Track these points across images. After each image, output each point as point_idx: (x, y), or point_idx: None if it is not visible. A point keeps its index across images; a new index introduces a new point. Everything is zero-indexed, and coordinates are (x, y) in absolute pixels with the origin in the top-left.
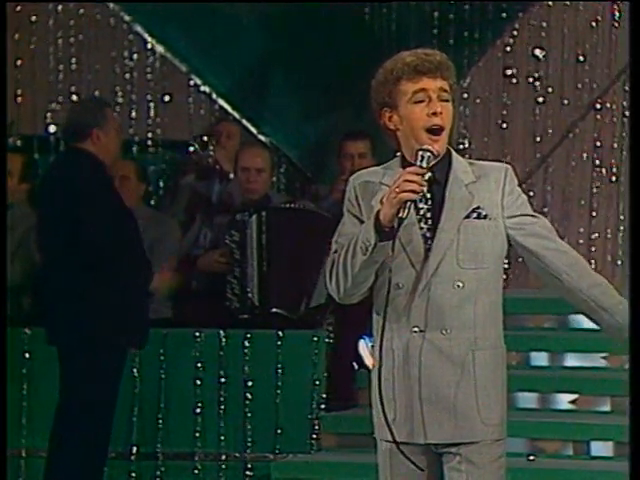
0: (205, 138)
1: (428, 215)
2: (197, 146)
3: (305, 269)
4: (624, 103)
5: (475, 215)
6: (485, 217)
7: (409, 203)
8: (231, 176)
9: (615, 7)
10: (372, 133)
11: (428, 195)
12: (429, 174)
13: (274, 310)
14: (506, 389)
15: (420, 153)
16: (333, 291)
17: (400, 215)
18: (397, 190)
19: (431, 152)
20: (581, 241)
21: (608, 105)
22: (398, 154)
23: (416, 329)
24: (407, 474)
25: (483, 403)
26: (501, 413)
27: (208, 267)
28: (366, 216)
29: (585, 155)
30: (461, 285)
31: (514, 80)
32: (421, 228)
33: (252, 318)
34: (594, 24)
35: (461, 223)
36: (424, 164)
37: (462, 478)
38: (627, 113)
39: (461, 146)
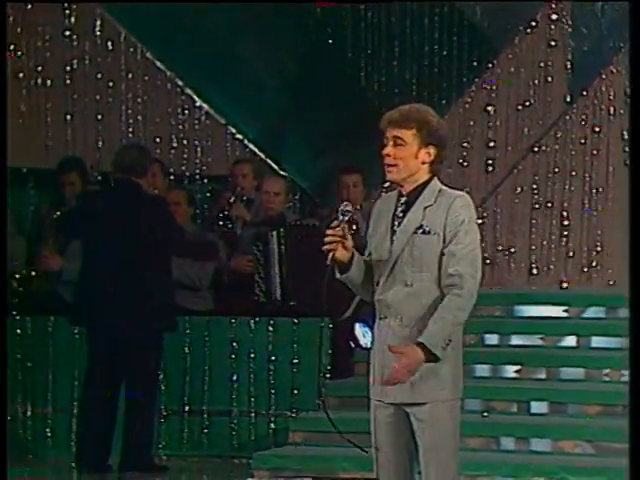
0: (232, 199)
1: (394, 230)
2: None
3: (315, 273)
4: (556, 147)
5: (421, 231)
6: (429, 233)
7: (331, 253)
8: (247, 219)
9: (549, 67)
10: (364, 168)
11: (400, 214)
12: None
13: (291, 303)
14: (459, 361)
15: (339, 210)
16: None
17: (327, 263)
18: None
19: (348, 211)
20: (523, 252)
21: (543, 149)
22: None
23: (381, 317)
24: (388, 424)
25: (429, 373)
26: (447, 380)
27: (239, 269)
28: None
29: (526, 186)
30: (409, 284)
31: (471, 130)
32: (392, 241)
33: (275, 309)
34: (532, 87)
35: (411, 237)
36: (340, 219)
37: (420, 431)
38: (559, 154)
39: None
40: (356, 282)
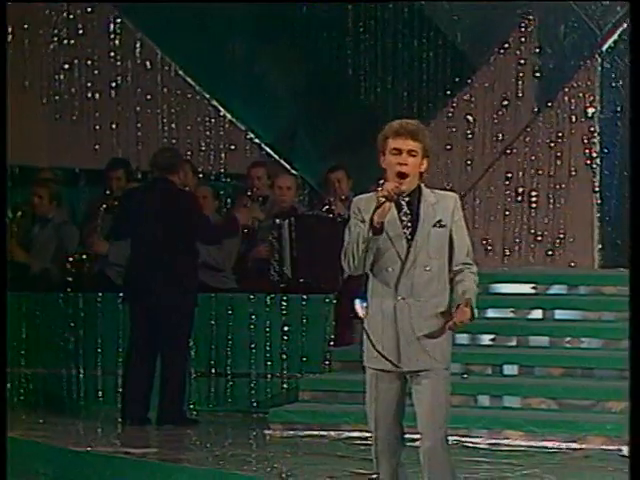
0: (247, 204)
1: (408, 225)
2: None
3: (320, 254)
4: (525, 150)
5: (438, 225)
6: (444, 226)
7: (379, 210)
8: (262, 219)
9: (519, 84)
10: (348, 166)
11: (408, 212)
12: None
13: (301, 280)
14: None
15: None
16: (345, 267)
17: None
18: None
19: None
20: (497, 238)
21: (514, 151)
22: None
23: (399, 297)
24: (385, 390)
25: (441, 345)
26: (449, 350)
27: (258, 254)
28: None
29: (500, 183)
30: (429, 269)
31: (453, 135)
32: (404, 233)
33: (287, 286)
34: (506, 98)
35: (430, 230)
36: (399, 182)
37: (423, 388)
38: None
39: None
40: (374, 247)
